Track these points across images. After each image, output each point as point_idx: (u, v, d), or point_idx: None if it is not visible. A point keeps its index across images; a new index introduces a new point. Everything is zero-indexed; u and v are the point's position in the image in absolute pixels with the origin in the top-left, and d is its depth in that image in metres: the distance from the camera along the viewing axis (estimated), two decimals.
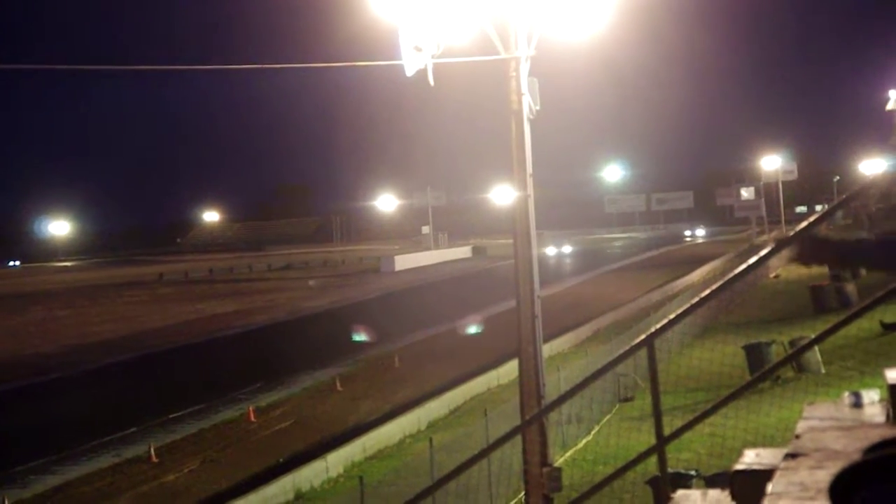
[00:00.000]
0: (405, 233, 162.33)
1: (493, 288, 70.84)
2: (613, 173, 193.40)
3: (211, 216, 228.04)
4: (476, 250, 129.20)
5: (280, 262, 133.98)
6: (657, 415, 7.83)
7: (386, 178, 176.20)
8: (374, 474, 27.08)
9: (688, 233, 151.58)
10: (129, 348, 57.90)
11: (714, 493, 6.13)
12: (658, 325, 8.03)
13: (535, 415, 15.57)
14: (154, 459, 32.60)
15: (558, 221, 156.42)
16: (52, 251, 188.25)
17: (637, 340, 8.11)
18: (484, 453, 9.99)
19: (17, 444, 35.24)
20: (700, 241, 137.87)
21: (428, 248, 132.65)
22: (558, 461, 23.02)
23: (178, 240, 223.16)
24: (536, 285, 17.77)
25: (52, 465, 32.75)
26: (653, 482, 17.72)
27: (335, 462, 30.16)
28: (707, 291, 7.94)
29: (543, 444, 16.67)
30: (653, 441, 7.84)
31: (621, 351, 9.07)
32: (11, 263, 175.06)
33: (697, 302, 8.11)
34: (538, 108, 17.83)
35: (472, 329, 51.39)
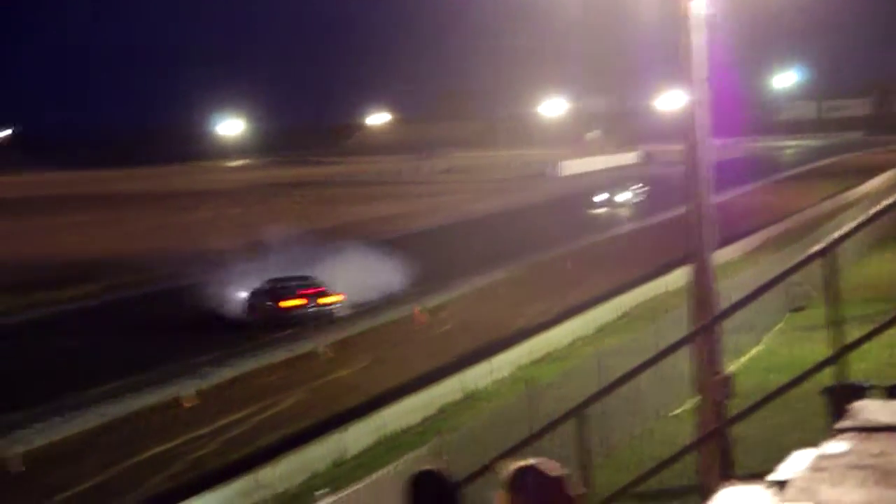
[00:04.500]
0: (571, 138, 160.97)
1: (662, 195, 70.14)
2: (785, 79, 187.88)
3: (380, 118, 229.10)
4: (644, 156, 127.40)
5: (444, 164, 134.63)
6: (835, 324, 7.76)
7: (553, 83, 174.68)
8: (542, 377, 27.33)
9: (598, 198, 77.59)
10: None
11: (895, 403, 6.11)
12: (838, 234, 7.93)
13: (706, 323, 15.58)
14: (329, 355, 33.46)
15: (725, 128, 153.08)
16: (223, 150, 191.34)
17: (815, 249, 8.01)
18: (654, 360, 10.01)
19: (195, 337, 36.52)
20: (622, 209, 75.96)
21: (594, 154, 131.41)
22: (729, 368, 22.96)
23: (346, 140, 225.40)
24: (708, 193, 17.66)
25: (227, 358, 33.81)
26: (828, 391, 17.51)
27: (502, 364, 30.51)
28: (890, 200, 7.81)
29: (715, 352, 16.69)
30: (826, 351, 7.80)
31: (796, 260, 8.95)
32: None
33: (880, 210, 8.00)
34: (712, 12, 17.58)
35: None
